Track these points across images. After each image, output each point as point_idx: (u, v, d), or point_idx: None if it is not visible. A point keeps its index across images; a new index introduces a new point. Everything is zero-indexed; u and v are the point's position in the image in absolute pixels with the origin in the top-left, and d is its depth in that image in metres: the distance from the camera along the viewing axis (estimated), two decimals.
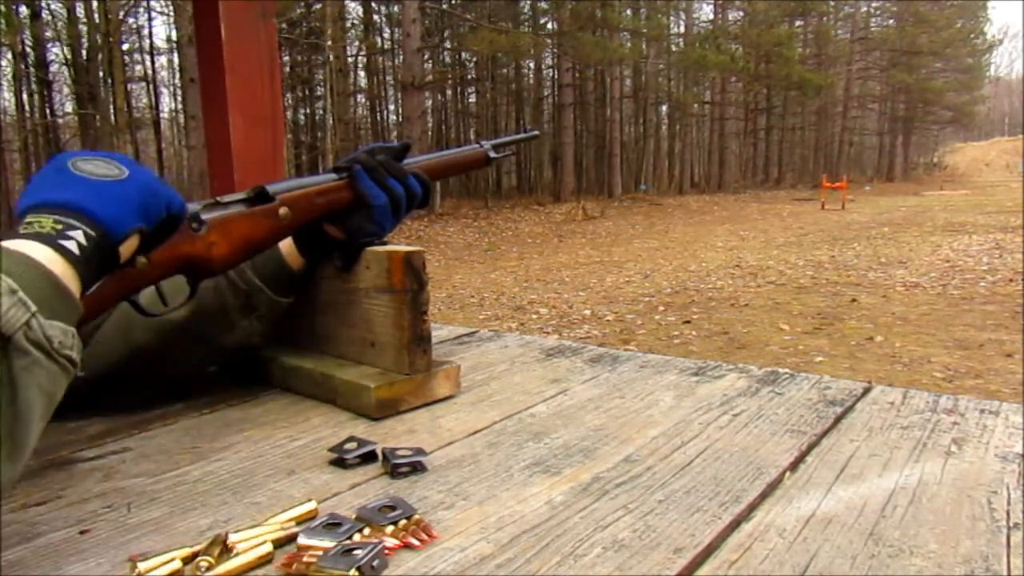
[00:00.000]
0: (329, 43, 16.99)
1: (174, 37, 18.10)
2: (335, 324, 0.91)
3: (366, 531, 0.52)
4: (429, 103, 21.64)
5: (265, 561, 0.49)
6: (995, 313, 5.22)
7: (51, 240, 0.55)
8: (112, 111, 15.32)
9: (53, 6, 16.18)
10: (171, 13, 17.08)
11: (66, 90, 18.77)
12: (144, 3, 19.45)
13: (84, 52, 15.77)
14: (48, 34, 16.60)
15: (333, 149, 16.93)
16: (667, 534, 0.52)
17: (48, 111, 18.26)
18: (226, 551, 0.50)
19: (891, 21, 33.76)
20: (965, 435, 0.71)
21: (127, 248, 0.63)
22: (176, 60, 19.73)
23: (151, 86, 22.88)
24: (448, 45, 22.97)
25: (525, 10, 23.86)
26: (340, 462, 0.67)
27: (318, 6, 17.82)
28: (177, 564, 0.48)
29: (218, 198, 0.77)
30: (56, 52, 17.45)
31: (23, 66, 16.83)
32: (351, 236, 0.86)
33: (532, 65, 25.75)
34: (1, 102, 18.73)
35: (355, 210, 0.85)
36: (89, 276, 0.58)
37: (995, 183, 32.24)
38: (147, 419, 0.82)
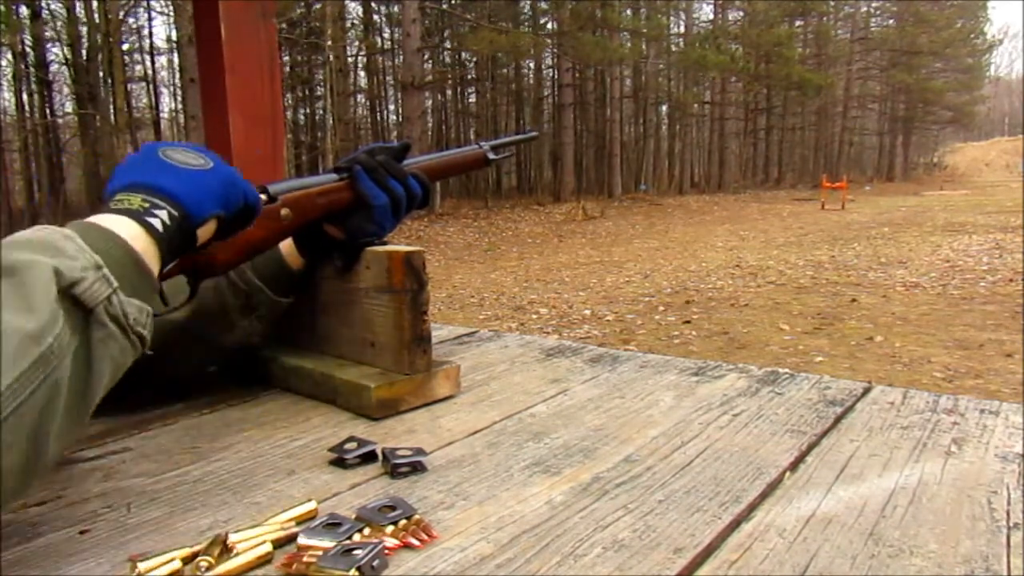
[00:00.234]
0: (329, 43, 16.99)
1: (174, 37, 18.10)
2: (335, 324, 0.91)
3: (366, 531, 0.53)
4: (429, 103, 21.64)
5: (265, 561, 0.49)
6: (995, 313, 5.22)
7: (138, 216, 0.59)
8: (112, 111, 15.32)
9: (53, 6, 16.19)
10: (171, 13, 17.09)
11: (66, 90, 18.79)
12: (144, 3, 19.45)
13: (84, 52, 15.77)
14: (48, 34, 16.60)
15: (333, 149, 16.93)
16: (667, 534, 0.52)
17: (48, 111, 18.27)
18: (226, 551, 0.50)
19: (891, 21, 33.77)
20: (965, 435, 0.71)
21: (205, 232, 0.67)
22: (176, 60, 19.74)
23: (151, 86, 22.89)
24: (448, 45, 22.98)
25: (525, 10, 23.86)
26: (340, 462, 0.67)
27: (318, 6, 17.83)
28: (177, 564, 0.48)
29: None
30: (56, 52, 17.47)
31: (23, 66, 16.83)
32: (351, 236, 0.86)
33: (532, 65, 25.76)
34: (1, 102, 18.75)
35: (355, 210, 0.85)
36: (169, 254, 0.62)
37: (995, 183, 32.25)
38: (147, 419, 0.82)
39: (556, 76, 24.89)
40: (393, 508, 0.55)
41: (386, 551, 0.50)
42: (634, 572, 0.48)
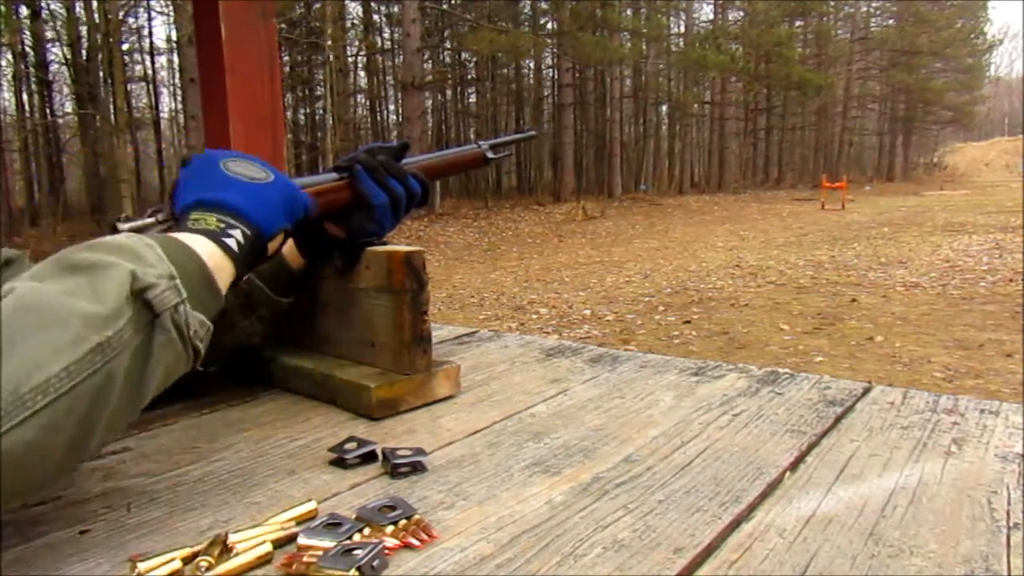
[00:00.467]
0: (329, 43, 16.99)
1: (174, 37, 18.11)
2: (335, 324, 0.91)
3: (366, 531, 0.52)
4: (429, 103, 21.64)
5: (265, 561, 0.49)
6: (995, 313, 5.22)
7: (215, 236, 0.63)
8: (112, 111, 15.31)
9: (53, 6, 16.18)
10: (171, 13, 17.08)
11: (66, 90, 18.80)
12: (144, 3, 19.45)
13: (84, 52, 15.77)
14: (48, 34, 16.60)
15: (333, 149, 16.93)
16: (667, 534, 0.52)
17: (48, 111, 18.28)
18: (226, 551, 0.50)
19: (891, 21, 33.77)
20: (965, 435, 0.71)
21: (274, 245, 0.71)
22: (176, 60, 19.75)
23: (151, 86, 22.91)
24: (448, 45, 22.98)
25: (525, 10, 23.85)
26: (340, 462, 0.67)
27: (318, 6, 17.82)
28: (177, 564, 0.48)
29: None
30: (56, 52, 17.47)
31: (23, 66, 16.83)
32: (352, 235, 0.86)
33: (532, 65, 25.75)
34: (1, 102, 18.74)
35: (355, 209, 0.86)
36: (244, 269, 0.66)
37: (995, 183, 32.25)
38: (147, 419, 0.81)
39: (556, 76, 24.89)
40: (393, 508, 0.55)
41: (386, 551, 0.50)
42: (634, 572, 0.48)
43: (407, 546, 0.51)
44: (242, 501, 0.60)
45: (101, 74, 15.52)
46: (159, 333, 0.54)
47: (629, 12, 21.70)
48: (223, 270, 0.63)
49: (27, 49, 16.64)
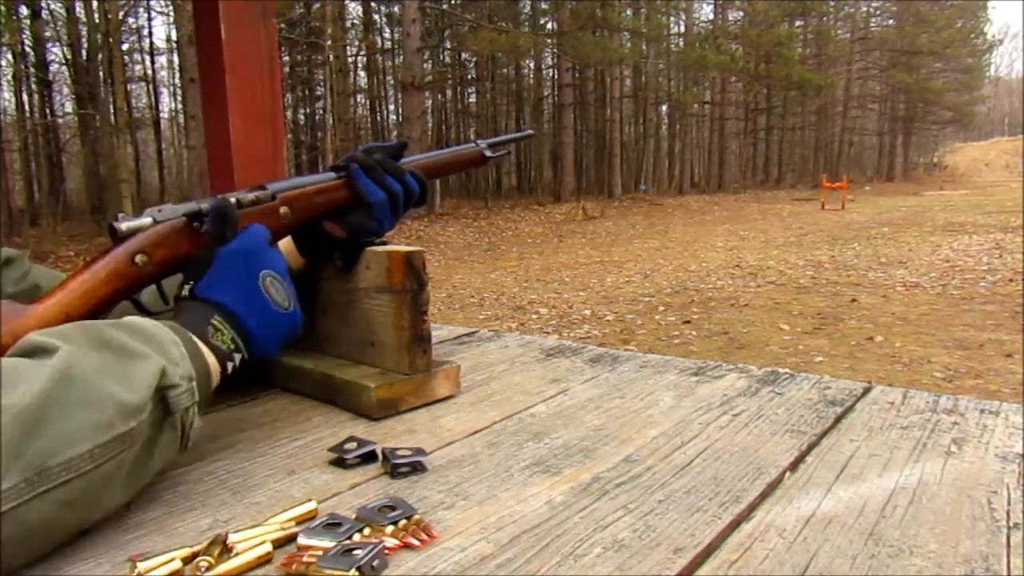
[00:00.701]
0: (329, 43, 16.98)
1: (174, 37, 18.11)
2: (335, 324, 0.91)
3: (366, 531, 0.52)
4: (429, 103, 21.63)
5: (265, 561, 0.49)
6: (995, 313, 5.22)
7: (222, 357, 0.67)
8: (112, 111, 15.30)
9: (53, 6, 16.18)
10: (171, 13, 17.08)
11: (66, 90, 18.79)
12: (144, 3, 19.45)
13: (84, 52, 15.76)
14: (48, 34, 16.59)
15: (333, 149, 16.93)
16: (667, 534, 0.52)
17: (48, 111, 18.26)
18: (226, 551, 0.50)
19: (891, 21, 33.76)
20: (965, 435, 0.71)
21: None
22: (176, 60, 19.74)
23: (151, 86, 22.90)
24: (448, 45, 22.97)
25: (525, 10, 23.85)
26: (340, 462, 0.67)
27: (318, 6, 17.82)
28: (177, 564, 0.48)
29: (222, 196, 0.77)
30: (56, 52, 17.46)
31: (23, 66, 16.82)
32: (351, 234, 0.86)
33: (532, 65, 25.75)
34: (1, 102, 18.74)
35: (354, 208, 0.86)
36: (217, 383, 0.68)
37: (995, 183, 32.25)
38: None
39: (556, 76, 24.88)
40: (393, 508, 0.55)
41: (386, 551, 0.50)
42: (634, 572, 0.48)
43: (407, 546, 0.51)
44: (242, 501, 0.60)
45: (101, 74, 15.52)
46: (167, 430, 0.57)
47: (629, 12, 21.70)
48: (215, 380, 0.67)
49: (27, 49, 16.63)
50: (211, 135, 1.39)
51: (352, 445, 0.68)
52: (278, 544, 0.51)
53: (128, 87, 17.43)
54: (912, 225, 12.47)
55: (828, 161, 33.91)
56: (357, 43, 22.12)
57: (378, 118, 25.78)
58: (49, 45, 17.11)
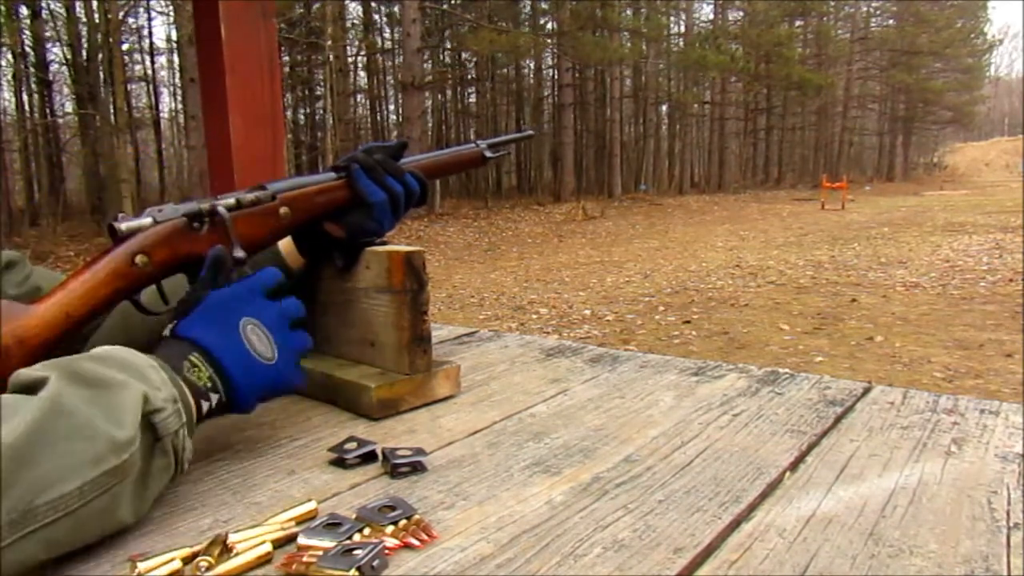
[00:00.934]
0: (329, 43, 16.98)
1: (174, 37, 18.11)
2: (335, 324, 0.91)
3: (366, 531, 0.52)
4: (429, 103, 21.63)
5: (265, 561, 0.49)
6: (995, 313, 5.22)
7: (198, 393, 0.63)
8: (112, 111, 15.30)
9: (53, 6, 16.18)
10: (171, 13, 17.08)
11: (66, 90, 18.79)
12: (144, 3, 19.45)
13: (84, 52, 15.76)
14: (48, 34, 16.59)
15: (333, 149, 16.93)
16: (667, 534, 0.52)
17: (48, 111, 18.26)
18: (226, 551, 0.50)
19: (891, 21, 33.76)
20: (965, 435, 0.71)
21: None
22: (176, 60, 19.75)
23: (151, 86, 22.89)
24: (448, 45, 22.97)
25: (525, 10, 23.85)
26: (340, 462, 0.67)
27: (318, 6, 17.82)
28: (177, 564, 0.48)
29: (218, 197, 0.77)
30: (56, 52, 17.46)
31: (23, 66, 16.82)
32: (351, 235, 0.86)
33: (532, 65, 25.75)
34: (1, 102, 18.73)
35: (354, 209, 0.86)
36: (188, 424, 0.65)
37: (995, 183, 32.25)
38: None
39: (556, 76, 24.88)
40: (393, 508, 0.55)
41: (386, 551, 0.50)
42: (634, 572, 0.48)
43: (407, 546, 0.51)
44: (242, 501, 0.60)
45: (101, 74, 15.52)
46: (159, 456, 0.55)
47: (629, 12, 21.69)
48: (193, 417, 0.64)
49: (27, 49, 16.63)
50: (211, 135, 1.39)
51: (352, 445, 0.68)
52: (278, 544, 0.51)
53: (128, 87, 17.43)
54: (912, 225, 12.47)
55: (828, 161, 33.91)
56: (357, 43, 22.13)
57: (378, 118, 25.78)
58: (49, 45, 17.12)
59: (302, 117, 23.30)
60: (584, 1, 18.75)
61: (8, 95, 18.24)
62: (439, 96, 24.39)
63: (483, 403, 0.84)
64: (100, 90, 15.39)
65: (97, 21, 15.01)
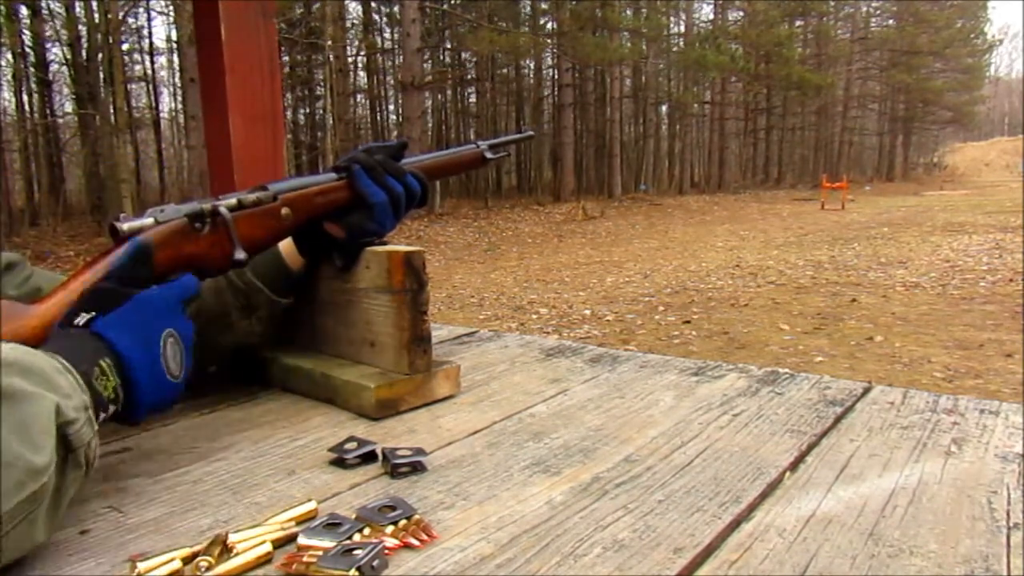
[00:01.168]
0: (329, 43, 16.99)
1: (174, 37, 18.11)
2: (335, 324, 0.91)
3: (366, 531, 0.52)
4: (429, 103, 21.64)
5: (265, 561, 0.49)
6: (995, 313, 5.22)
7: (99, 404, 0.57)
8: (112, 111, 15.30)
9: (53, 6, 16.18)
10: (171, 13, 17.08)
11: (66, 90, 18.77)
12: (144, 3, 19.44)
13: (84, 52, 15.76)
14: (48, 33, 16.59)
15: (333, 149, 16.93)
16: (667, 534, 0.52)
17: (48, 111, 18.25)
18: (226, 551, 0.50)
19: (891, 21, 33.76)
20: (965, 435, 0.71)
21: None
22: (176, 60, 19.74)
23: (151, 86, 22.89)
24: (448, 45, 22.97)
25: (525, 10, 23.85)
26: (340, 462, 0.67)
27: (318, 6, 17.82)
28: (177, 564, 0.48)
29: (220, 197, 0.77)
30: (56, 52, 17.46)
31: (23, 66, 16.82)
32: (352, 235, 0.86)
33: (532, 65, 25.75)
34: (1, 102, 18.74)
35: (355, 209, 0.86)
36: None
37: (995, 183, 32.25)
38: (147, 419, 0.81)
39: (556, 76, 24.88)
40: (393, 508, 0.55)
41: (386, 551, 0.50)
42: (634, 572, 0.48)
43: (407, 546, 0.51)
44: (242, 501, 0.60)
45: (101, 74, 15.52)
46: (72, 469, 0.52)
47: (629, 12, 21.68)
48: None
49: (27, 49, 16.63)
50: (211, 135, 1.39)
51: (352, 445, 0.68)
52: (278, 544, 0.51)
53: (128, 87, 17.43)
54: (912, 225, 12.47)
55: (828, 161, 33.91)
56: (357, 43, 22.13)
57: (378, 118, 25.78)
58: (49, 45, 17.11)
59: (302, 117, 23.30)
60: (584, 1, 18.75)
61: (8, 95, 18.25)
62: (439, 96, 24.40)
63: (483, 403, 0.84)
64: (100, 90, 15.39)
65: (97, 21, 15.01)
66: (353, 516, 0.55)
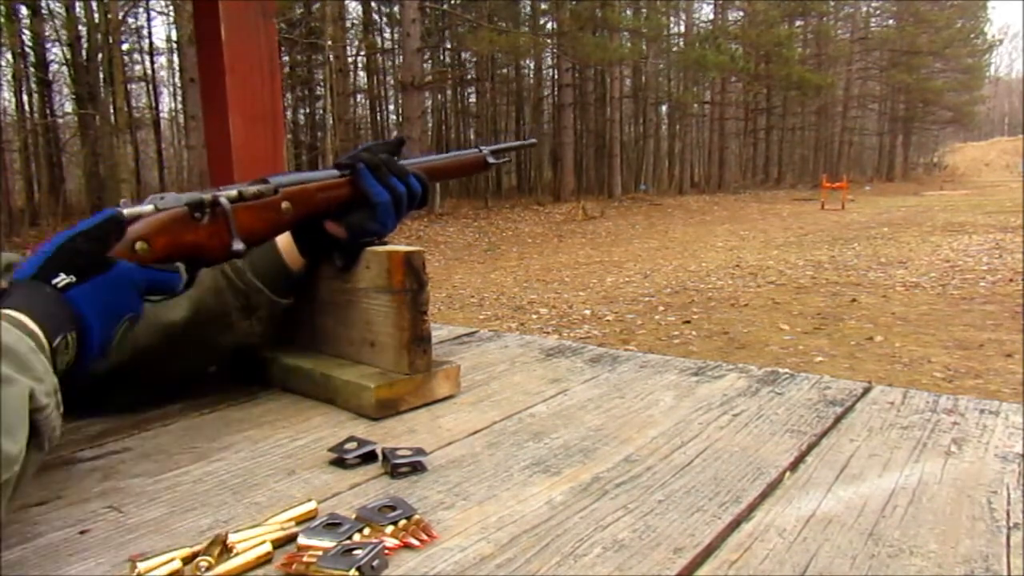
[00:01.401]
0: (329, 43, 16.99)
1: (174, 37, 18.11)
2: (335, 324, 0.91)
3: (366, 531, 0.52)
4: (429, 103, 21.64)
5: (265, 561, 0.49)
6: (995, 313, 5.22)
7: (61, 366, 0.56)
8: (112, 111, 15.31)
9: (53, 6, 16.18)
10: (171, 13, 17.08)
11: (66, 90, 18.78)
12: (144, 3, 19.45)
13: (84, 52, 15.76)
14: (48, 33, 16.59)
15: (333, 149, 16.93)
16: (667, 534, 0.52)
17: (48, 111, 18.26)
18: (226, 551, 0.50)
19: (891, 21, 33.77)
20: (965, 435, 0.71)
21: None
22: (176, 60, 19.75)
23: (151, 86, 22.89)
24: (448, 45, 22.98)
25: (525, 10, 23.85)
26: (340, 462, 0.67)
27: (318, 6, 17.82)
28: (177, 564, 0.48)
29: (221, 188, 0.77)
30: (56, 52, 17.46)
31: (23, 66, 16.82)
32: (354, 235, 0.86)
33: (532, 65, 25.75)
34: (1, 102, 18.74)
35: (357, 208, 0.86)
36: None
37: (995, 183, 32.25)
38: (147, 419, 0.81)
39: (556, 76, 24.88)
40: (393, 508, 0.55)
41: (386, 551, 0.50)
42: (634, 572, 0.48)
43: (407, 546, 0.51)
44: (242, 501, 0.60)
45: (101, 74, 15.52)
46: (33, 452, 0.50)
47: (629, 12, 21.69)
48: None
49: (27, 49, 16.64)
50: (211, 135, 1.39)
51: (352, 445, 0.68)
52: (278, 544, 0.51)
53: (128, 87, 17.43)
54: (912, 225, 12.47)
55: (828, 161, 33.91)
56: (357, 43, 22.14)
57: (378, 118, 25.78)
58: (49, 45, 17.12)
59: (302, 117, 23.30)
60: (584, 1, 18.75)
61: (8, 95, 18.25)
62: (439, 96, 24.40)
63: (483, 403, 0.84)
64: (100, 90, 15.40)
65: (97, 21, 15.01)
66: (353, 516, 0.55)
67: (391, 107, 26.01)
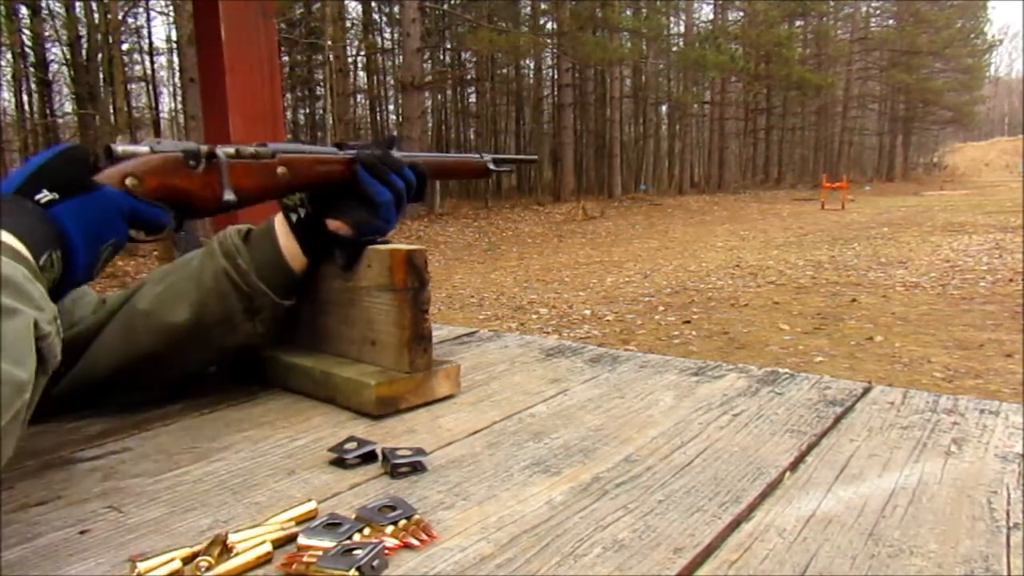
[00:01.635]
0: (329, 43, 16.99)
1: (174, 37, 18.10)
2: (336, 322, 0.91)
3: (366, 531, 0.52)
4: (429, 103, 21.64)
5: (265, 561, 0.49)
6: (995, 313, 5.22)
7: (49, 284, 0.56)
8: (112, 111, 15.31)
9: (53, 6, 16.18)
10: (171, 13, 17.08)
11: (66, 90, 18.77)
12: (144, 3, 19.44)
13: (84, 52, 15.76)
14: (47, 33, 16.59)
15: None
16: (667, 534, 0.52)
17: (48, 111, 18.26)
18: (226, 551, 0.50)
19: (891, 21, 33.78)
20: (965, 435, 0.71)
21: None
22: (176, 60, 19.74)
23: (151, 86, 22.90)
24: (448, 45, 22.98)
25: (525, 10, 23.86)
26: (340, 462, 0.67)
27: (318, 6, 17.82)
28: (177, 564, 0.48)
29: (217, 145, 0.77)
30: (56, 52, 17.46)
31: (23, 66, 16.82)
32: (360, 232, 0.87)
33: (532, 65, 25.77)
34: (1, 102, 18.73)
35: (359, 206, 0.86)
36: None
37: (995, 183, 32.26)
38: (147, 419, 0.81)
39: (556, 76, 24.89)
40: (393, 508, 0.55)
41: (386, 551, 0.50)
42: (634, 572, 0.47)
43: (407, 546, 0.51)
44: (242, 501, 0.60)
45: (101, 74, 15.52)
46: (40, 378, 0.52)
47: (629, 12, 21.69)
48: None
49: (27, 49, 16.64)
50: (211, 135, 1.39)
51: (352, 445, 0.68)
52: (278, 544, 0.51)
53: (128, 87, 17.43)
54: (912, 225, 12.47)
55: (828, 161, 33.92)
56: (357, 43, 22.14)
57: (378, 118, 25.79)
58: (49, 45, 17.11)
59: (302, 117, 23.31)
60: (584, 1, 18.76)
61: (8, 95, 18.25)
62: (439, 96, 24.41)
63: (483, 403, 0.84)
64: (100, 90, 15.38)
65: (97, 21, 15.01)
66: (353, 516, 0.55)
67: (391, 107, 26.03)
